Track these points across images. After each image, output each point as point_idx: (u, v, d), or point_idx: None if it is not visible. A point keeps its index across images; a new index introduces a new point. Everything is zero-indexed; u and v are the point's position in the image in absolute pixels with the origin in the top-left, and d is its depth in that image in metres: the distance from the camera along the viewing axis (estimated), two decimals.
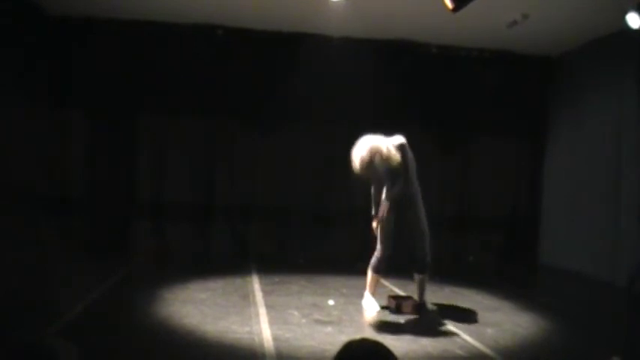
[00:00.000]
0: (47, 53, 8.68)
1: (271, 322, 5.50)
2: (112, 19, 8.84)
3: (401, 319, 5.91)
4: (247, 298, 6.51)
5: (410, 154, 6.00)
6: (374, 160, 5.79)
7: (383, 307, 6.21)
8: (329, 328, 5.44)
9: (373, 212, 6.16)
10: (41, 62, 8.59)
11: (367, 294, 6.28)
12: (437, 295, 6.80)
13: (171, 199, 9.31)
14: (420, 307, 6.19)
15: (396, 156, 5.87)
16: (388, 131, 6.14)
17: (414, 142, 6.17)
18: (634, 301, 7.43)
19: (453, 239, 9.83)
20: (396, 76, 9.42)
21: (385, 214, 6.04)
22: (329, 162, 9.50)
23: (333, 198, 9.54)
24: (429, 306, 6.26)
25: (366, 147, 5.80)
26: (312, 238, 9.36)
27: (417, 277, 6.24)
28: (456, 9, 6.00)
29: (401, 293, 6.73)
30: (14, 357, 1.81)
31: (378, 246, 6.14)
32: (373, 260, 6.18)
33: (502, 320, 6.03)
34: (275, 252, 9.22)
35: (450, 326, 5.70)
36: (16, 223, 7.88)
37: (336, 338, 5.04)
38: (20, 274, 6.77)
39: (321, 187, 9.55)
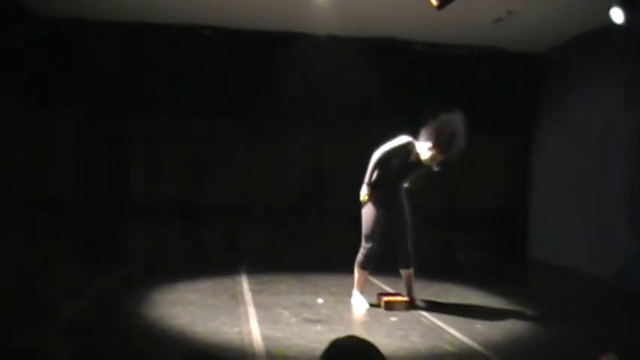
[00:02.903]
0: (39, 55, 8.63)
1: (261, 322, 5.49)
2: (102, 21, 8.78)
3: (390, 316, 5.91)
4: (236, 298, 6.50)
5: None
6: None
7: (372, 305, 6.22)
8: (318, 327, 5.44)
9: (366, 180, 6.13)
10: (33, 64, 8.55)
11: (355, 292, 6.29)
12: (426, 291, 6.81)
13: (163, 200, 9.29)
14: (408, 303, 6.21)
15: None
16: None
17: None
18: (622, 297, 7.46)
19: (442, 236, 9.83)
20: (385, 75, 9.42)
21: (366, 200, 6.09)
22: (319, 161, 9.52)
23: (323, 198, 9.54)
24: (418, 302, 6.28)
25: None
26: (302, 238, 9.34)
27: (403, 272, 6.26)
28: (440, 6, 6.02)
29: (390, 290, 6.74)
30: (6, 358, 1.80)
31: (363, 242, 6.16)
32: (359, 257, 6.19)
33: (491, 316, 6.05)
34: (265, 252, 9.19)
35: (439, 322, 5.71)
36: (9, 224, 7.87)
37: (325, 337, 5.02)
38: (13, 275, 6.74)
39: (311, 187, 9.54)
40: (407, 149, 6.01)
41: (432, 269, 7.66)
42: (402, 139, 6.04)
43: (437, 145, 5.84)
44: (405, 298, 6.26)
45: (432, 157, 5.90)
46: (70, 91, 8.93)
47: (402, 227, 6.14)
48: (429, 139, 5.86)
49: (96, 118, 9.14)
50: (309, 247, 9.11)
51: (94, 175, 9.13)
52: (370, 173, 6.08)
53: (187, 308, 5.96)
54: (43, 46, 8.70)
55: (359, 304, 6.21)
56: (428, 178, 6.24)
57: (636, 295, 7.26)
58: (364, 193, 6.08)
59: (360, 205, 6.19)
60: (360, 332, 5.22)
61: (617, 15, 7.22)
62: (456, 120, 5.97)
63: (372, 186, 6.08)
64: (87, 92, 8.96)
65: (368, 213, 6.11)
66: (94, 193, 9.09)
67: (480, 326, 5.65)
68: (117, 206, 9.24)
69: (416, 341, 5.11)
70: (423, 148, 5.91)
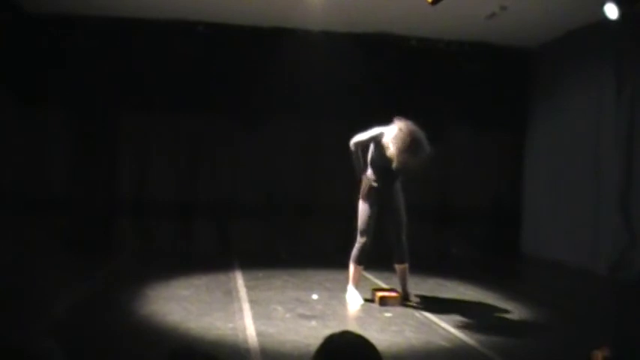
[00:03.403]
0: (30, 53, 8.58)
1: (255, 318, 5.48)
2: (93, 17, 8.77)
3: (384, 311, 5.91)
4: (231, 293, 6.49)
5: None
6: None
7: (366, 300, 6.22)
8: (313, 323, 5.44)
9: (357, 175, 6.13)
10: (23, 62, 8.50)
11: (350, 287, 6.29)
12: (420, 287, 6.82)
13: (154, 197, 9.27)
14: (403, 299, 6.21)
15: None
16: (369, 125, 6.17)
17: None
18: (616, 291, 7.49)
19: (436, 232, 9.87)
20: (377, 70, 9.42)
21: (364, 194, 6.08)
22: (312, 157, 9.52)
23: (317, 193, 9.54)
24: (413, 298, 6.28)
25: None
26: (295, 234, 9.34)
27: (397, 268, 6.26)
28: (434, 2, 6.02)
29: (384, 286, 6.74)
30: (4, 357, 1.78)
31: (358, 237, 6.16)
32: (353, 252, 6.19)
33: (485, 311, 6.07)
34: (258, 247, 9.19)
35: (434, 318, 5.72)
36: (2, 222, 7.84)
37: (320, 332, 5.03)
38: (4, 274, 6.71)
39: (304, 182, 9.54)
40: (378, 140, 5.96)
41: (426, 265, 7.67)
42: (373, 131, 5.99)
43: (394, 143, 5.74)
44: (400, 294, 6.26)
45: (391, 154, 5.81)
46: (63, 89, 8.89)
47: (397, 222, 6.14)
48: (392, 137, 5.78)
49: (89, 116, 9.10)
50: (305, 244, 9.11)
51: (87, 173, 9.09)
52: (356, 166, 6.09)
53: (181, 304, 5.94)
54: (36, 43, 8.65)
55: (353, 299, 6.21)
56: (423, 170, 6.17)
57: (628, 288, 7.30)
58: (363, 184, 6.09)
59: (354, 200, 6.21)
60: (354, 328, 5.21)
61: (611, 11, 7.23)
62: (419, 135, 5.79)
63: (369, 185, 6.09)
64: (80, 90, 8.92)
65: (363, 208, 6.11)
66: (87, 190, 9.06)
67: (474, 321, 5.65)
68: (111, 203, 9.22)
69: (410, 336, 5.11)
70: (388, 142, 5.82)
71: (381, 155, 5.96)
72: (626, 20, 7.33)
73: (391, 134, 5.77)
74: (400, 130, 5.72)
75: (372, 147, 6.07)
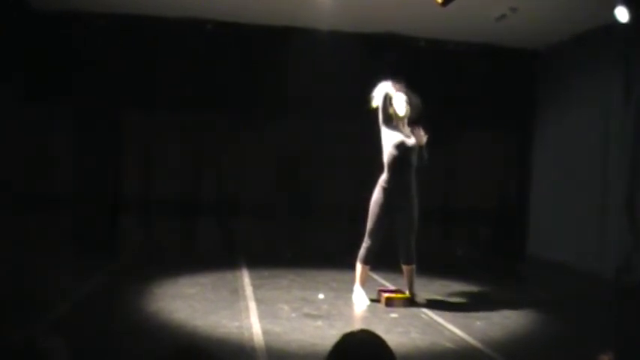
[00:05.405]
0: (34, 49, 8.59)
1: (261, 317, 5.50)
2: (99, 15, 8.76)
3: (390, 312, 5.92)
4: (237, 292, 6.50)
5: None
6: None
7: (372, 301, 6.23)
8: (319, 322, 5.45)
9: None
10: (28, 58, 8.51)
11: (357, 287, 6.29)
12: (426, 288, 6.81)
13: (159, 196, 9.27)
14: (409, 300, 6.21)
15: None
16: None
17: None
18: (621, 293, 7.48)
19: (442, 232, 9.87)
20: (385, 70, 9.38)
21: (375, 196, 6.10)
22: (317, 156, 9.52)
23: (321, 192, 9.54)
24: (419, 299, 6.28)
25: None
26: (300, 233, 9.34)
27: (405, 268, 6.26)
28: (445, 3, 6.02)
29: (390, 287, 6.74)
30: (3, 357, 1.79)
31: (366, 236, 6.17)
32: (361, 251, 6.20)
33: (491, 313, 6.06)
34: (262, 247, 9.19)
35: (439, 319, 5.72)
36: (2, 220, 7.85)
37: (325, 332, 5.06)
38: (7, 272, 6.73)
39: (309, 182, 9.54)
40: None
41: (432, 266, 7.66)
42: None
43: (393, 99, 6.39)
44: (406, 295, 6.27)
45: (394, 113, 6.31)
46: (68, 87, 8.88)
47: (409, 225, 6.14)
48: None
49: (94, 114, 9.09)
50: (307, 244, 9.11)
51: (92, 171, 9.09)
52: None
53: (187, 302, 5.96)
54: (42, 40, 8.65)
55: (359, 299, 6.21)
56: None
57: (634, 290, 7.29)
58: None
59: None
60: (359, 328, 5.21)
61: (621, 14, 7.22)
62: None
63: (379, 187, 6.10)
64: (85, 87, 8.91)
65: (373, 210, 6.11)
66: (91, 189, 9.06)
67: (480, 323, 5.65)
68: (115, 201, 9.23)
69: (415, 337, 5.12)
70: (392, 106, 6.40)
71: (395, 141, 6.04)
72: (635, 23, 7.31)
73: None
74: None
75: (384, 142, 6.13)
